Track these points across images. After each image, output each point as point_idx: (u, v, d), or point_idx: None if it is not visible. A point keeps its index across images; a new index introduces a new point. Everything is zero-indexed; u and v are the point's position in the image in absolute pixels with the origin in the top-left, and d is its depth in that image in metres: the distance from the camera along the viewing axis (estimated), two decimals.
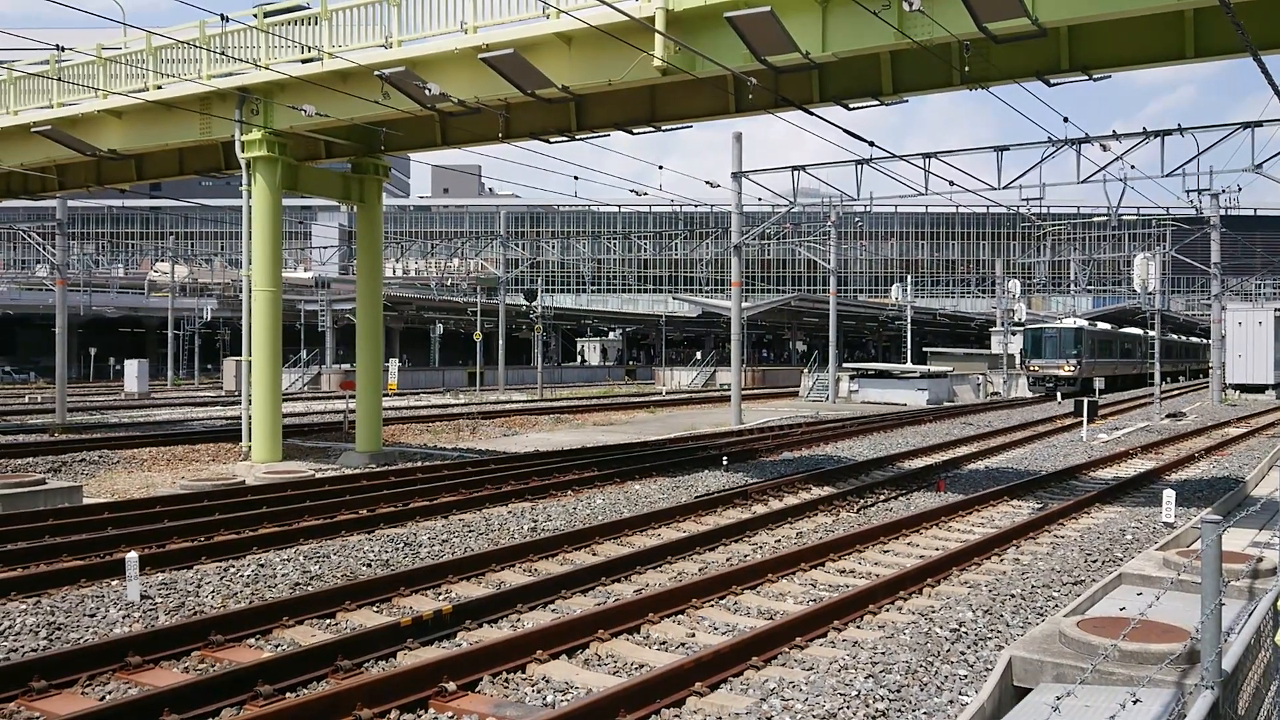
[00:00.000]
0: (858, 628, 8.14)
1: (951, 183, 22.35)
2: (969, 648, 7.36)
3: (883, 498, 15.07)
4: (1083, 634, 5.72)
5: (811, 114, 15.29)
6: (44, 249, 49.94)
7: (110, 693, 6.45)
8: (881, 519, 13.20)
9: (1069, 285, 69.97)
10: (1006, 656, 5.72)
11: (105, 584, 9.10)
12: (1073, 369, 46.34)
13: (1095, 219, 50.86)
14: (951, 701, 6.25)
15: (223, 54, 17.62)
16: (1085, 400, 27.58)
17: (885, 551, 11.35)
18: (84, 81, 19.51)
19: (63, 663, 6.61)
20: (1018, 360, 52.39)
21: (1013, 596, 8.88)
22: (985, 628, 7.88)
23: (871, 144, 17.80)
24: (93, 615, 8.09)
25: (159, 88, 18.58)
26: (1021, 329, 52.34)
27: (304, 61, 17.02)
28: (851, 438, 25.01)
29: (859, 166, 24.00)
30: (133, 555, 8.81)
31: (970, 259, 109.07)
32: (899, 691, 6.34)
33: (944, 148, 42.91)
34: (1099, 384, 40.98)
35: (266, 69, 16.95)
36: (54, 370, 31.09)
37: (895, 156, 22.52)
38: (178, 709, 5.82)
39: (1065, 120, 19.51)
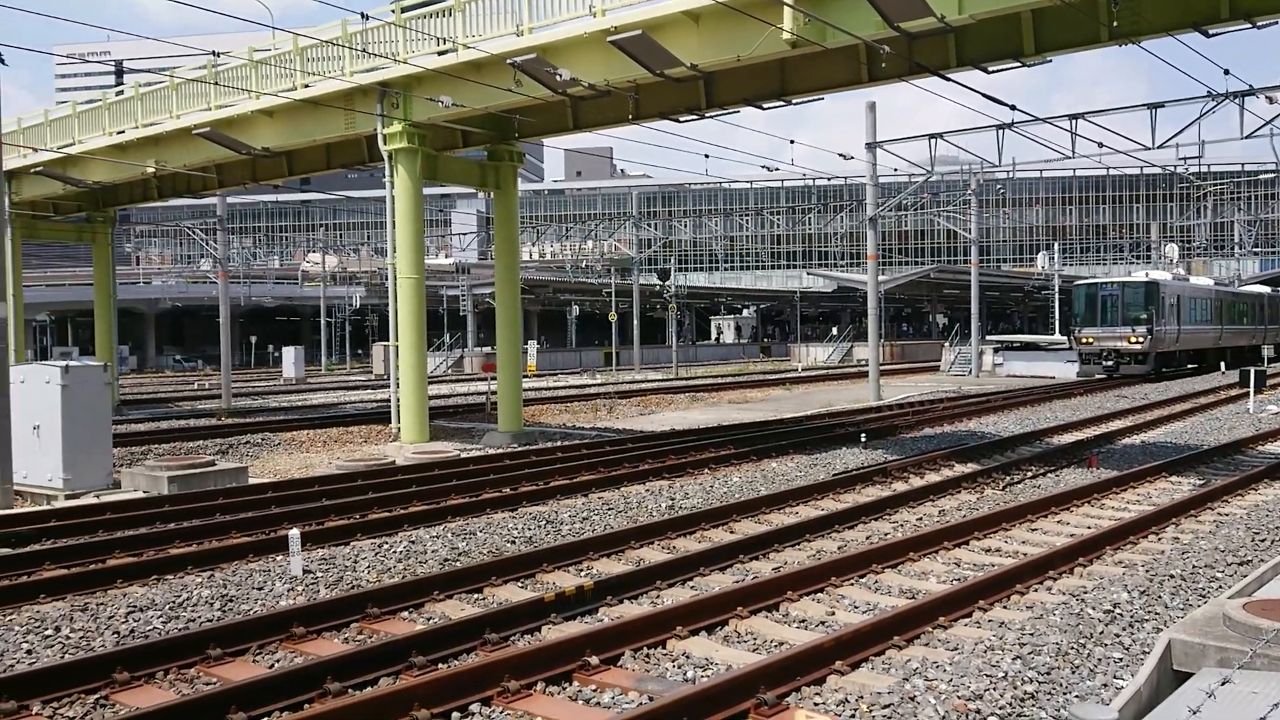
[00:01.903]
0: (1004, 608, 7.93)
1: (1100, 144, 21.31)
2: (1124, 630, 7.08)
3: (1030, 474, 14.57)
4: (1250, 617, 5.43)
5: (948, 80, 14.81)
6: (206, 244, 53.00)
7: (278, 661, 6.87)
8: (1029, 496, 12.78)
9: (1233, 248, 65.77)
10: (1165, 639, 5.48)
11: (271, 559, 9.66)
12: (1141, 340, 34.57)
13: (1261, 176, 47.53)
14: (1106, 685, 6.04)
15: (364, 51, 18.29)
16: (1252, 370, 25.92)
17: (1033, 530, 10.99)
18: (238, 84, 20.58)
19: (235, 632, 7.07)
20: (1070, 330, 41.60)
21: (1171, 577, 8.48)
22: (1142, 609, 7.56)
23: (1013, 107, 17.13)
24: (260, 588, 8.61)
25: (306, 86, 19.43)
26: (1073, 285, 40.51)
27: (440, 54, 17.51)
28: (996, 413, 24.23)
29: (1000, 131, 23.14)
30: (295, 532, 9.33)
31: (1123, 223, 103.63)
32: (1049, 674, 6.16)
33: (1091, 107, 40.79)
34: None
35: (405, 63, 17.51)
36: (219, 358, 33.06)
37: (1038, 119, 21.62)
38: (340, 677, 6.14)
39: (1226, 73, 18.29)
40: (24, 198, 27.48)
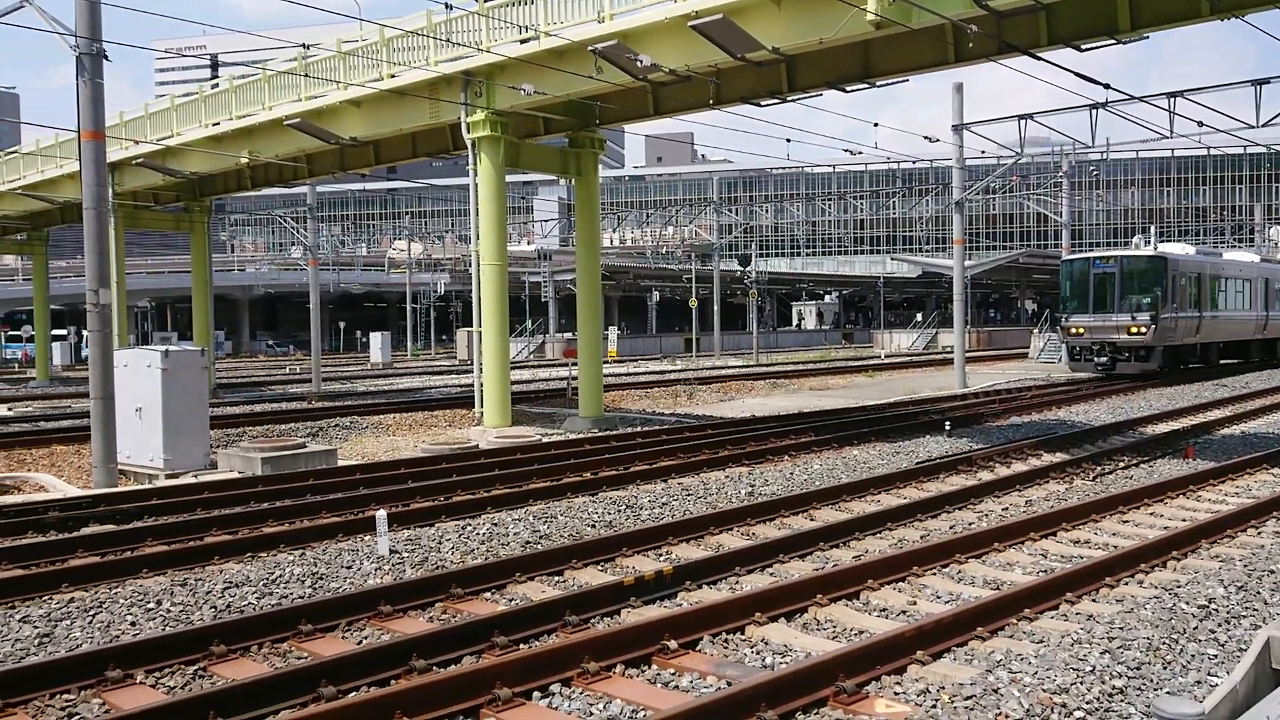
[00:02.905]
0: (1093, 601, 7.74)
1: (1201, 123, 20.49)
2: (1219, 626, 6.86)
3: (1122, 465, 14.16)
4: None
5: (1039, 59, 14.41)
6: (297, 232, 54.41)
7: (366, 637, 7.06)
8: (1120, 487, 12.42)
9: None
10: (1264, 637, 5.31)
11: (359, 539, 9.92)
12: (1144, 330, 27.60)
13: None
14: (1199, 682, 5.87)
15: (448, 40, 18.54)
16: None
17: (1124, 522, 10.69)
18: (327, 75, 21.05)
19: (325, 609, 7.29)
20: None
21: (1271, 573, 8.17)
22: (1239, 605, 7.31)
23: (1106, 86, 16.58)
24: (349, 567, 8.85)
25: (392, 76, 19.78)
26: (1060, 263, 32.80)
27: (522, 42, 17.65)
28: (1086, 401, 23.58)
29: (1093, 111, 22.46)
30: (382, 513, 9.56)
31: (1224, 205, 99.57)
32: (1138, 669, 6.00)
33: (1190, 85, 39.19)
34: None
35: (488, 52, 17.70)
36: (309, 343, 33.96)
37: (1134, 98, 20.86)
38: (425, 654, 6.30)
39: None
40: (126, 188, 28.57)
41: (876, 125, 23.73)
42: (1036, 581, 7.77)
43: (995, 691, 5.65)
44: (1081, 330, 29.18)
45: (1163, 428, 18.17)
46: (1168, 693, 5.70)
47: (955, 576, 8.54)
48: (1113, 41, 13.98)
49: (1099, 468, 13.89)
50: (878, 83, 16.58)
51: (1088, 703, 5.52)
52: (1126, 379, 28.38)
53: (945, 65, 15.77)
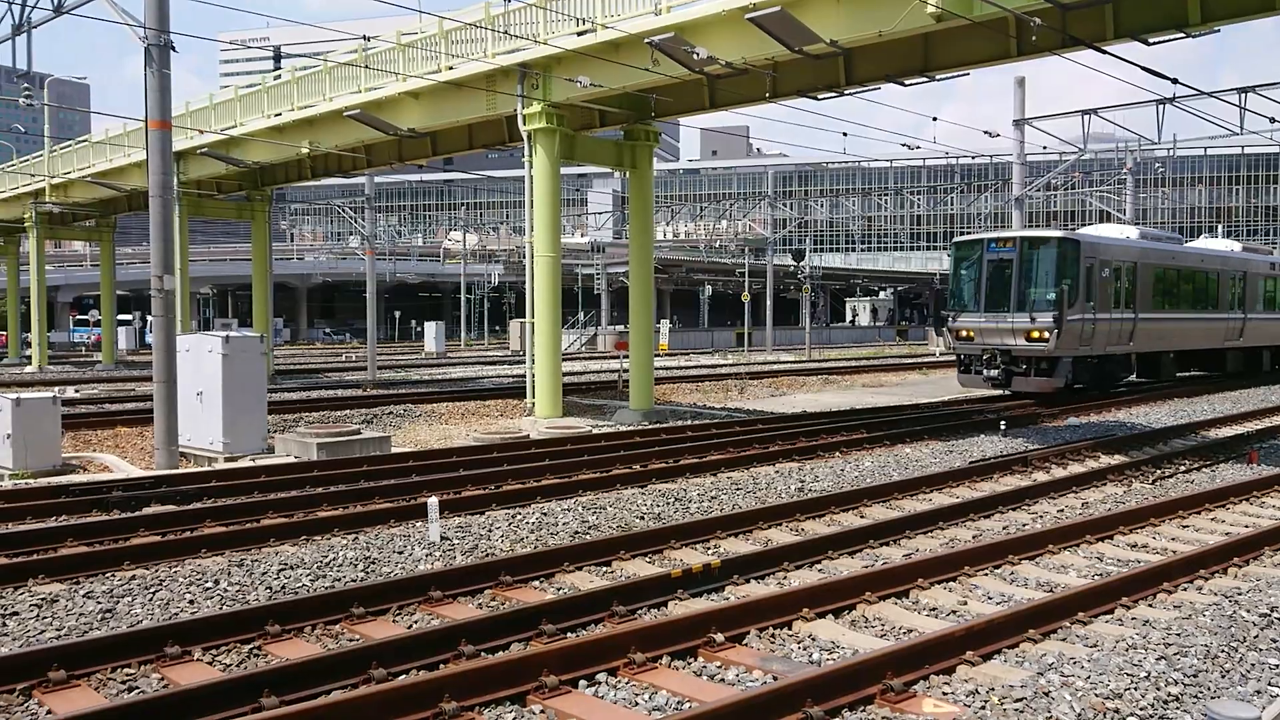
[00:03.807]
0: (1149, 606, 7.58)
1: (1273, 119, 19.92)
2: None
3: (1183, 468, 13.85)
4: None
5: (1104, 53, 14.11)
6: (355, 222, 55.14)
7: (416, 621, 7.16)
8: (1181, 491, 12.15)
9: None
10: None
11: (411, 525, 10.05)
12: (1045, 335, 20.87)
13: None
14: (1259, 692, 5.73)
15: (505, 33, 18.65)
16: None
17: (1184, 527, 10.46)
18: (386, 67, 21.30)
19: (377, 593, 7.40)
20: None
21: None
22: None
23: (1174, 81, 16.18)
24: (400, 552, 8.97)
25: (450, 68, 19.96)
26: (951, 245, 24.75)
27: (579, 34, 17.70)
28: (1147, 403, 23.08)
29: (1160, 106, 21.95)
30: (434, 500, 9.68)
31: None
32: (1195, 676, 5.87)
33: (1262, 80, 38.20)
34: (1131, 370, 23.94)
35: (545, 44, 17.77)
36: (365, 332, 34.43)
37: (1203, 93, 20.35)
38: (473, 640, 6.37)
39: None
40: (190, 177, 29.19)
41: (935, 120, 23.47)
42: (1091, 585, 7.64)
43: (1046, 695, 5.57)
44: (970, 334, 22.20)
45: (1226, 431, 17.73)
46: (1223, 697, 5.57)
47: (1007, 578, 8.43)
48: (1182, 35, 13.64)
49: (1158, 471, 13.60)
50: (937, 76, 16.37)
51: (1141, 709, 5.42)
52: (1051, 399, 22.01)
53: (1007, 59, 15.52)
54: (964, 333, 22.43)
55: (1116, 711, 5.39)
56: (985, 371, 22.25)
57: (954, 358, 24.16)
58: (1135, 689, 5.65)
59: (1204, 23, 13.35)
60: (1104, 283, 22.08)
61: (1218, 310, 27.27)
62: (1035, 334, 20.97)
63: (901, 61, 16.23)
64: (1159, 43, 14.08)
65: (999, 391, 22.83)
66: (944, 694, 5.78)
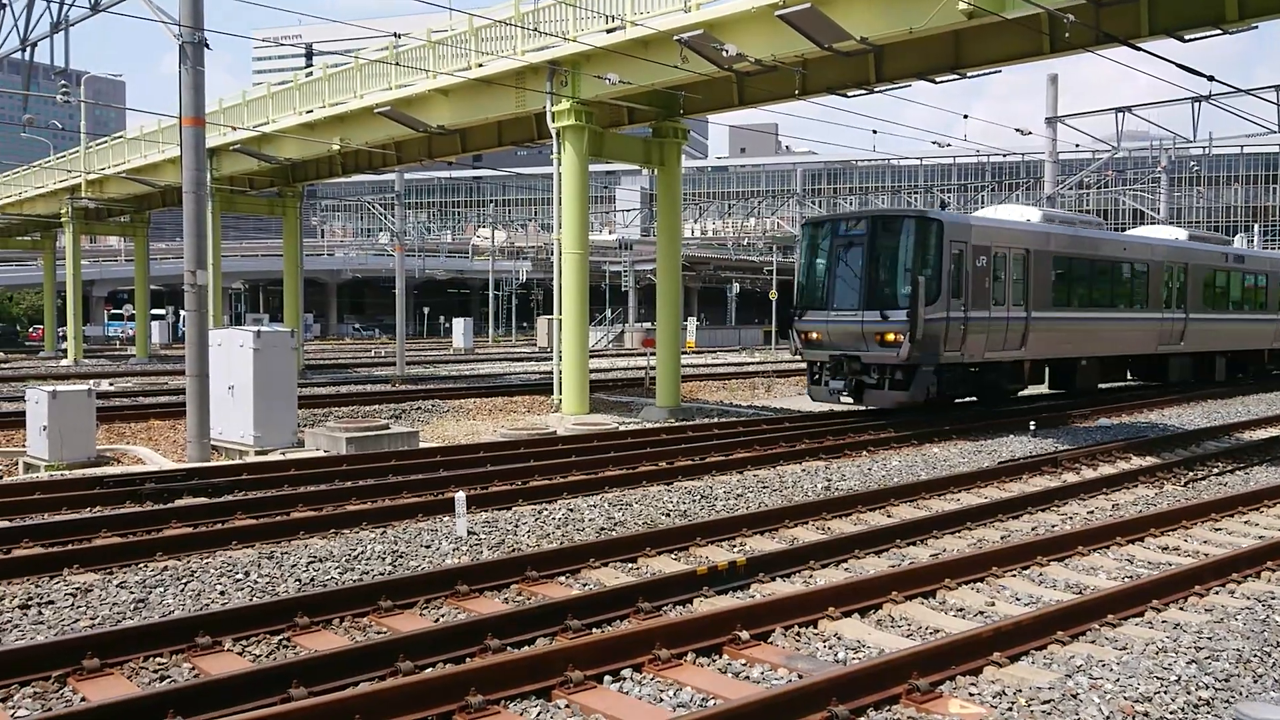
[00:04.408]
0: (1180, 609, 7.51)
1: None
2: None
3: (1215, 471, 13.69)
4: None
5: (1139, 50, 13.95)
6: (385, 218, 55.52)
7: (443, 615, 7.21)
8: (1213, 494, 12.00)
9: None
10: None
11: (438, 519, 10.11)
12: (897, 337, 17.05)
13: None
14: None
15: (535, 30, 18.70)
16: None
17: (1216, 529, 10.34)
18: (417, 64, 21.42)
19: (404, 586, 7.46)
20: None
21: None
22: None
23: (1211, 78, 15.96)
24: (428, 546, 9.03)
25: (480, 66, 20.04)
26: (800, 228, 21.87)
27: (608, 31, 17.72)
28: (1180, 404, 22.80)
29: (1196, 104, 21.65)
30: (461, 495, 9.73)
31: None
32: (1226, 680, 5.81)
33: None
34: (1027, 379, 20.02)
35: (574, 41, 17.80)
36: (394, 327, 34.65)
37: (1240, 91, 20.07)
38: (499, 634, 6.41)
39: None
40: (223, 173, 29.49)
41: (966, 117, 23.29)
42: (1121, 587, 7.57)
43: (1074, 697, 5.53)
44: (818, 336, 18.39)
45: (1261, 434, 17.49)
46: (1253, 697, 5.51)
47: (1036, 579, 8.37)
48: (1218, 32, 13.46)
49: (1191, 473, 13.44)
50: (968, 74, 16.25)
51: (1171, 713, 5.37)
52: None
53: (1039, 56, 15.39)
54: (812, 335, 18.52)
55: (1145, 715, 5.34)
56: (831, 383, 18.28)
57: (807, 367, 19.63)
58: (1165, 693, 5.60)
59: (1241, 19, 13.17)
60: (979, 273, 17.95)
61: (1149, 309, 22.88)
62: (889, 336, 17.07)
63: (932, 58, 16.12)
64: (1195, 39, 13.90)
65: (859, 407, 19.10)
66: (970, 695, 5.75)
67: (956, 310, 17.44)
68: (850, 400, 18.34)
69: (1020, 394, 21.48)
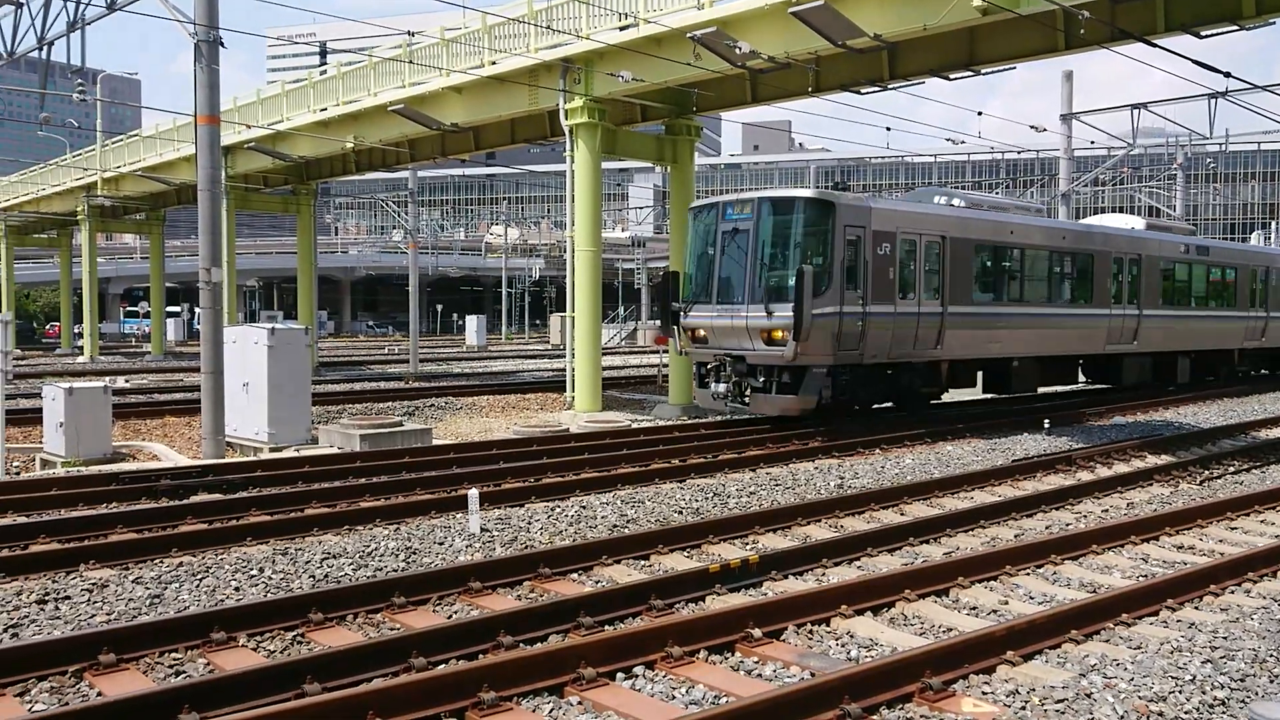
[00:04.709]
0: (1195, 608, 7.47)
1: None
2: None
3: (1232, 469, 13.61)
4: None
5: (1154, 46, 13.87)
6: (398, 216, 55.63)
7: (456, 612, 7.23)
8: (1230, 493, 11.94)
9: None
10: None
11: (451, 516, 10.14)
12: (782, 334, 15.27)
13: None
14: None
15: (548, 28, 18.71)
16: None
17: (1232, 528, 10.28)
18: (430, 62, 21.46)
19: (418, 583, 7.48)
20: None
21: None
22: None
23: (1227, 74, 15.84)
24: (441, 543, 9.06)
25: (493, 63, 20.06)
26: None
27: (621, 29, 17.71)
28: (1195, 403, 22.66)
29: (1212, 100, 21.52)
30: (474, 492, 9.76)
31: None
32: (1242, 680, 5.78)
33: None
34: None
35: (587, 39, 17.80)
36: (408, 325, 34.73)
37: (1257, 87, 19.93)
38: (512, 631, 6.42)
39: None
40: (238, 171, 29.61)
41: (980, 114, 23.19)
42: (1136, 586, 7.54)
43: (1088, 696, 5.51)
44: (704, 334, 16.61)
45: (1278, 432, 17.38)
46: (1268, 697, 5.47)
47: (1050, 578, 8.34)
48: (1235, 27, 13.38)
49: (1206, 471, 13.36)
50: (983, 70, 16.19)
51: (1186, 713, 5.34)
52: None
53: (1054, 52, 15.31)
54: (698, 332, 16.67)
55: (1160, 715, 5.31)
56: (714, 386, 16.61)
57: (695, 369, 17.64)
58: (1179, 692, 5.57)
59: (1258, 15, 13.08)
60: (882, 262, 16.08)
61: (1094, 304, 20.76)
62: (776, 334, 15.31)
63: (946, 55, 16.07)
64: (1211, 35, 13.82)
65: (751, 414, 17.10)
66: (984, 694, 5.74)
67: (853, 304, 15.69)
68: (738, 405, 16.61)
69: (942, 399, 19.66)
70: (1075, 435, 16.74)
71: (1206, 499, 11.37)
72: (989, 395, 21.06)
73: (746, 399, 16.29)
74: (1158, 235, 23.38)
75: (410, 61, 22.04)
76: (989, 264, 18.58)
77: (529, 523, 9.87)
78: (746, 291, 15.82)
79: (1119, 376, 22.76)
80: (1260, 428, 17.95)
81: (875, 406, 18.23)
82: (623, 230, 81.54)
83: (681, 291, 17.14)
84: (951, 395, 20.05)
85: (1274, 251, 29.04)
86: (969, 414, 18.78)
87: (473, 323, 54.18)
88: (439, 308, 75.89)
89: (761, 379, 15.89)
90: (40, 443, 15.64)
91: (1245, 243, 38.52)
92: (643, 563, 8.62)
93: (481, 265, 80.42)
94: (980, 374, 19.65)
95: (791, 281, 15.24)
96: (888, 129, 26.86)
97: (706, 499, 11.17)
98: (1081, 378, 23.45)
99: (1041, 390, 21.24)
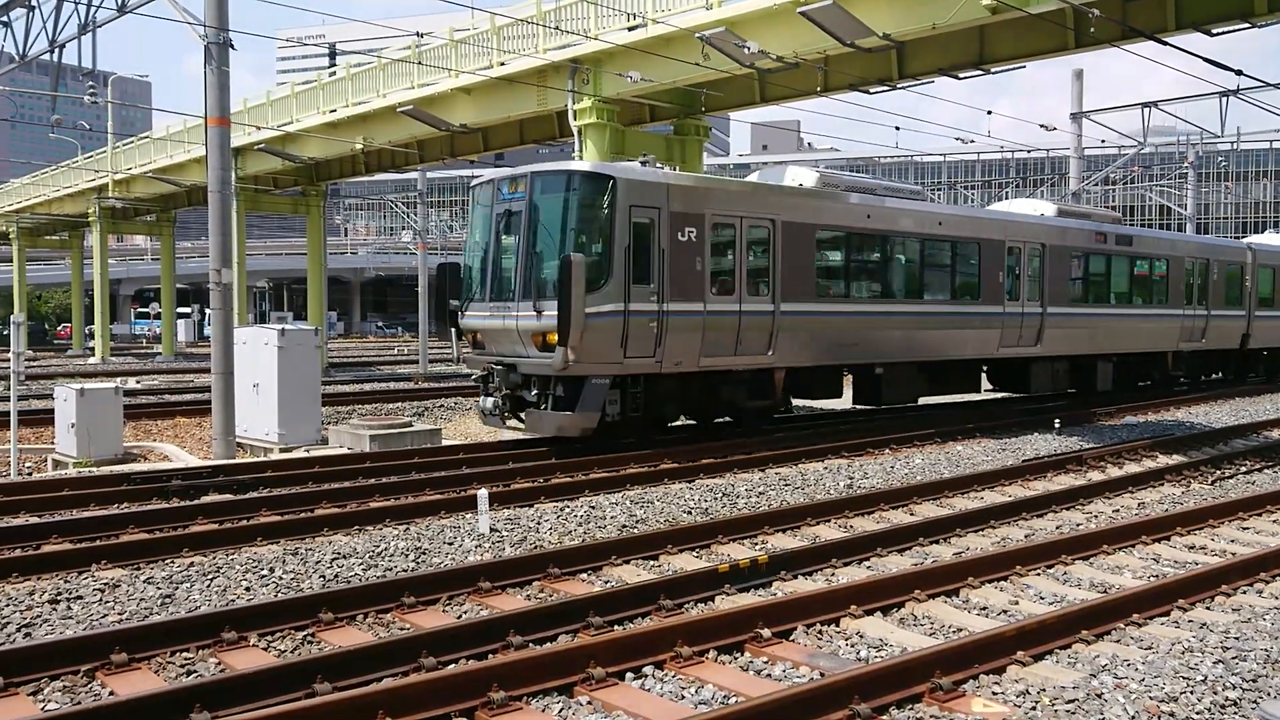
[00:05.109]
0: (1207, 609, 7.44)
1: None
2: None
3: (1243, 469, 13.54)
4: None
5: (1165, 44, 13.81)
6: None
7: (465, 612, 7.24)
8: (1241, 492, 11.88)
9: None
10: None
11: (461, 516, 10.16)
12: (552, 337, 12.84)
13: None
14: None
15: (556, 28, 18.73)
16: None
17: (1244, 528, 10.23)
18: (439, 63, 21.50)
19: (427, 583, 7.50)
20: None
21: None
22: None
23: (1239, 73, 15.76)
24: (451, 543, 9.07)
25: (502, 64, 20.09)
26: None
27: (629, 29, 17.73)
28: (1206, 402, 22.56)
29: (1223, 99, 21.42)
30: (483, 492, 9.77)
31: None
32: (1254, 681, 5.75)
33: None
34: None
35: (596, 39, 17.82)
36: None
37: (1269, 85, 19.84)
38: (521, 631, 6.43)
39: None
40: (248, 172, 29.72)
41: (990, 113, 23.14)
42: (1146, 586, 7.51)
43: (1099, 696, 5.50)
44: (480, 337, 14.43)
45: None
46: (1278, 697, 5.45)
47: (1060, 578, 8.31)
48: (1247, 25, 13.33)
49: (1218, 471, 13.31)
50: (992, 69, 16.15)
51: (1197, 713, 5.32)
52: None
53: (1064, 51, 15.27)
54: (477, 335, 14.42)
55: (1171, 715, 5.30)
56: (484, 400, 14.40)
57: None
58: (1191, 693, 5.55)
59: (1270, 12, 13.03)
60: (684, 251, 13.53)
61: (982, 301, 17.93)
62: (550, 338, 12.98)
63: (956, 55, 16.04)
64: (1222, 33, 13.76)
65: (532, 434, 14.44)
66: (994, 694, 5.72)
67: (645, 301, 13.20)
68: (514, 423, 14.15)
69: (786, 414, 16.95)
70: (1086, 435, 16.69)
71: (1218, 499, 11.32)
72: (865, 406, 18.03)
73: (502, 414, 14.00)
74: (1066, 222, 20.28)
75: (419, 62, 22.09)
76: (838, 254, 15.94)
77: (538, 523, 9.88)
78: (518, 287, 13.48)
79: (1025, 383, 19.86)
80: (1272, 427, 17.87)
81: (705, 422, 15.83)
82: None
83: (466, 285, 14.59)
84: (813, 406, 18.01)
85: (1217, 242, 26.46)
86: (1061, 406, 18.09)
87: None
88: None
89: (535, 391, 13.42)
90: (52, 443, 15.72)
91: (1182, 232, 34.93)
92: (652, 563, 8.62)
93: None
94: (851, 382, 17.31)
95: (543, 272, 13.13)
96: (897, 128, 26.84)
97: (716, 499, 11.16)
98: (987, 385, 20.62)
99: (927, 401, 18.70)
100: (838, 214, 15.76)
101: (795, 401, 17.38)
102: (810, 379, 16.14)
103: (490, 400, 14.12)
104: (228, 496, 11.22)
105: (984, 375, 20.12)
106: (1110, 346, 21.26)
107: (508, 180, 14.04)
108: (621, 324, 13.02)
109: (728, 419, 15.97)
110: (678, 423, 16.02)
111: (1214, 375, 26.81)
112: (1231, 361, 26.50)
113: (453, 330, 14.88)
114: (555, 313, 12.68)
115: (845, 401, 18.20)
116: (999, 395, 21.58)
